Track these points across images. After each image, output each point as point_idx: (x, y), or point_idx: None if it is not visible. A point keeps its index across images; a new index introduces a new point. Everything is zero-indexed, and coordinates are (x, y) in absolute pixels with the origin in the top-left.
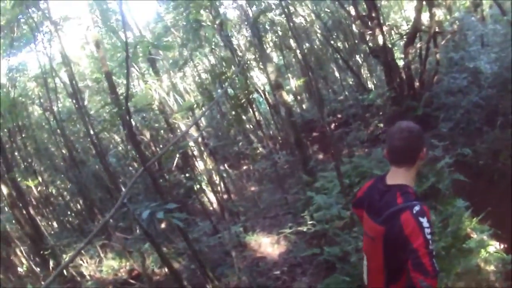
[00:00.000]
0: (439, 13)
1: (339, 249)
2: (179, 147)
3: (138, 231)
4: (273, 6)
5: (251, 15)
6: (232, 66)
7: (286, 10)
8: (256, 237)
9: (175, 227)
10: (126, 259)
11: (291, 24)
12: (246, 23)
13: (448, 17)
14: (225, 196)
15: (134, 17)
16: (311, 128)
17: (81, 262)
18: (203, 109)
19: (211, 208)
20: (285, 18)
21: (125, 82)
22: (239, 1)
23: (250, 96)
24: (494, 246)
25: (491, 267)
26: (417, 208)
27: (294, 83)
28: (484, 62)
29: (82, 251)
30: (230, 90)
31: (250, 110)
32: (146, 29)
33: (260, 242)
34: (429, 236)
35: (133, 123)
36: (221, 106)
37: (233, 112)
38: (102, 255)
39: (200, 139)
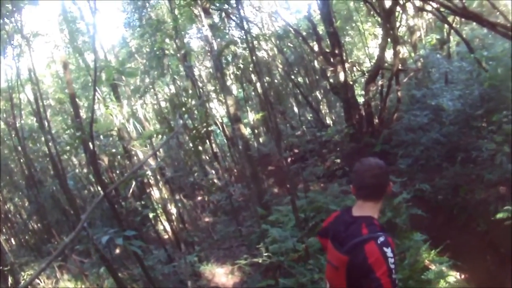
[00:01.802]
0: (404, 51)
1: (294, 280)
2: (137, 175)
3: (93, 255)
4: (237, 40)
5: (215, 47)
6: (192, 98)
7: (250, 44)
8: (211, 267)
9: (131, 253)
10: (82, 282)
11: (254, 58)
12: (209, 54)
13: (413, 54)
14: (180, 226)
15: (100, 39)
16: (268, 162)
17: (38, 281)
18: (162, 138)
19: (165, 236)
20: (248, 52)
21: (87, 105)
22: (204, 32)
23: (209, 128)
24: (454, 277)
25: None
26: (381, 239)
27: (252, 116)
28: (447, 100)
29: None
30: (189, 121)
31: (208, 141)
32: (111, 52)
33: (214, 272)
34: (392, 266)
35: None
36: (179, 137)
37: (191, 144)
38: (59, 276)
39: (156, 168)
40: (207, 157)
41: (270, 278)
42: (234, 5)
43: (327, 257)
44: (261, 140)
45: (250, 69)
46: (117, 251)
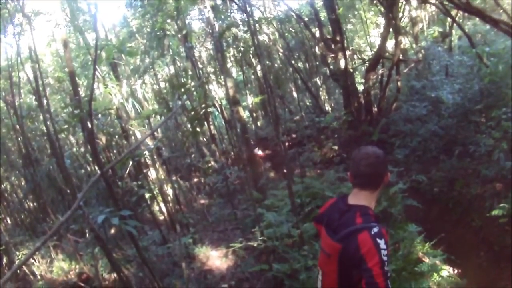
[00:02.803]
0: (405, 42)
1: (288, 266)
2: (134, 155)
3: (88, 235)
4: (239, 22)
5: (216, 29)
6: (191, 79)
7: (252, 27)
8: (205, 249)
9: (125, 234)
10: (76, 262)
11: (255, 41)
12: (210, 36)
13: (414, 46)
14: (175, 207)
15: (101, 19)
16: (265, 145)
17: (33, 261)
18: (160, 118)
19: (161, 217)
20: (249, 35)
21: (86, 84)
22: (206, 14)
23: (207, 110)
24: (448, 271)
25: None
26: (375, 229)
27: (251, 100)
28: (447, 92)
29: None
30: (187, 102)
31: (206, 123)
32: (111, 32)
33: (208, 255)
34: (385, 258)
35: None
36: (177, 118)
37: (189, 125)
38: (53, 255)
39: (154, 149)
40: (205, 139)
41: (263, 263)
42: None
43: (321, 245)
44: (259, 123)
45: (251, 52)
46: (112, 231)
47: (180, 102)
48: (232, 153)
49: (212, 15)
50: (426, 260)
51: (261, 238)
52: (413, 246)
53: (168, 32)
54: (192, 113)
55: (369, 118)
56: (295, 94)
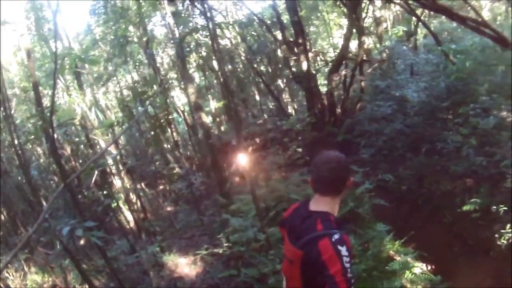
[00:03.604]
0: (369, 42)
1: (256, 270)
2: (98, 165)
3: (58, 246)
4: (200, 27)
5: (177, 34)
6: (154, 85)
7: (212, 31)
8: (173, 257)
9: (94, 244)
10: (48, 274)
11: (215, 46)
12: (172, 42)
13: (378, 45)
14: (142, 215)
15: (65, 27)
16: (229, 150)
17: (7, 275)
18: (123, 127)
19: (128, 226)
20: (210, 40)
21: (51, 93)
22: (167, 20)
23: (170, 116)
24: (420, 268)
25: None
26: (336, 236)
27: (214, 104)
28: (412, 91)
29: (8, 264)
30: (150, 109)
31: (169, 130)
32: (75, 40)
33: (177, 263)
34: (347, 265)
35: (56, 136)
36: (141, 125)
37: (152, 132)
38: (26, 269)
39: (118, 157)
40: (169, 146)
41: (232, 268)
42: None
43: (284, 251)
44: (222, 128)
45: (213, 57)
46: (81, 242)
47: (142, 110)
48: (196, 158)
49: (172, 20)
50: (397, 258)
51: (226, 244)
52: (382, 245)
53: (130, 39)
54: (154, 120)
55: (333, 119)
56: (257, 98)
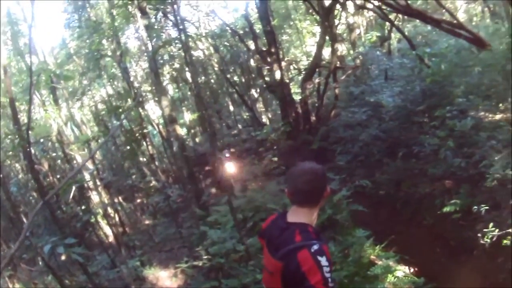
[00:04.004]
0: (342, 48)
1: (237, 281)
2: (76, 181)
3: (41, 263)
4: (173, 40)
5: (150, 47)
6: (128, 99)
7: (185, 43)
8: (154, 270)
9: (75, 260)
10: None
11: (188, 58)
12: (145, 55)
13: (352, 52)
14: (120, 230)
15: (40, 41)
16: (204, 162)
17: None
18: (99, 142)
19: (107, 241)
20: (183, 52)
21: (27, 108)
22: (140, 33)
23: (145, 130)
24: (403, 271)
25: None
26: (315, 247)
27: (188, 116)
28: (387, 96)
29: None
30: (125, 123)
31: (144, 143)
32: (50, 54)
33: (158, 276)
34: (327, 275)
35: (33, 151)
36: (116, 139)
37: (128, 146)
38: (10, 285)
39: (95, 172)
40: (144, 159)
41: (213, 280)
42: (173, 5)
43: (263, 262)
44: (197, 140)
45: (186, 69)
46: (63, 257)
47: (117, 124)
48: (172, 171)
49: (145, 33)
50: (379, 262)
51: (206, 256)
52: (363, 250)
53: (104, 53)
54: (129, 134)
55: (308, 127)
56: (231, 108)
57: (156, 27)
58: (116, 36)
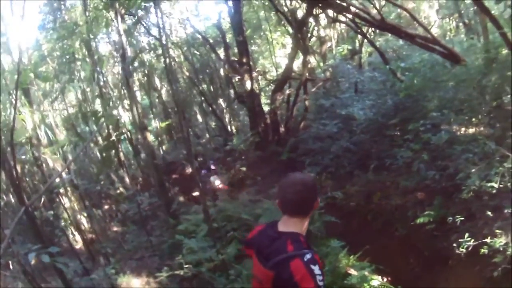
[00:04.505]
0: (312, 61)
1: None
2: (53, 186)
3: (11, 267)
4: (147, 46)
5: (129, 53)
6: (102, 105)
7: (165, 51)
8: (127, 279)
9: (47, 266)
10: None
11: (167, 65)
12: (120, 60)
13: (322, 64)
14: (91, 236)
15: (15, 41)
16: (172, 170)
17: None
18: (71, 146)
19: (77, 247)
20: (155, 58)
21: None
22: (117, 38)
23: (122, 136)
24: (378, 280)
25: None
26: (308, 256)
27: (156, 124)
28: (358, 109)
29: None
30: (96, 128)
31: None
32: (24, 55)
33: (131, 284)
34: (321, 283)
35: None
36: (88, 145)
37: (103, 153)
38: None
39: (72, 178)
40: (113, 166)
41: None
42: (150, 11)
43: (253, 271)
44: (164, 148)
45: (156, 76)
46: (33, 262)
47: (93, 129)
48: (141, 179)
49: (124, 39)
50: (354, 272)
51: (186, 266)
52: (338, 261)
53: (77, 56)
54: (105, 140)
55: (277, 138)
56: (199, 117)
57: (135, 33)
58: (90, 40)
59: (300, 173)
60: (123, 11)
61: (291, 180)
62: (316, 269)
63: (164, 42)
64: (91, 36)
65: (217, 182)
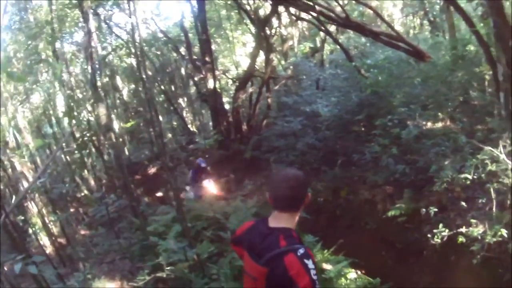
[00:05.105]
0: (274, 59)
1: None
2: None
3: None
4: (110, 47)
5: (99, 52)
6: (71, 106)
7: (139, 49)
8: (102, 283)
9: (21, 273)
10: None
11: (141, 64)
12: (87, 60)
13: (283, 62)
14: (60, 240)
15: None
16: (135, 171)
17: None
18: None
19: (47, 252)
20: (117, 58)
21: None
22: (84, 38)
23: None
24: (355, 273)
25: None
26: (301, 251)
27: (117, 125)
28: (322, 106)
29: None
30: (68, 129)
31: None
32: None
33: None
34: (315, 277)
35: None
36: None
37: (79, 154)
38: None
39: (43, 182)
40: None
41: None
42: (113, 10)
43: (244, 268)
44: (126, 149)
45: (117, 76)
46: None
47: (62, 131)
48: (106, 180)
49: (93, 38)
50: (329, 267)
51: (168, 268)
52: (314, 255)
53: (44, 57)
54: (79, 142)
55: (240, 137)
56: (161, 117)
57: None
58: (54, 41)
59: (291, 168)
60: (91, 10)
61: (283, 175)
62: (310, 263)
63: (136, 39)
64: (58, 36)
65: (212, 187)
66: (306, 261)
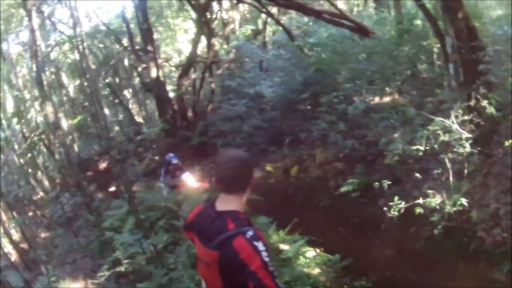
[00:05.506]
0: (216, 43)
1: (151, 283)
2: None
3: None
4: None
5: (43, 49)
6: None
7: (80, 48)
8: (67, 284)
9: None
10: None
11: (83, 60)
12: (32, 59)
13: (225, 46)
14: (22, 245)
15: None
16: (86, 167)
17: None
18: None
19: (13, 260)
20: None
21: None
22: (28, 36)
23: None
24: (314, 251)
25: (317, 270)
26: (250, 233)
27: (65, 122)
28: (266, 87)
29: None
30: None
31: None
32: None
33: None
34: (267, 259)
35: None
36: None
37: (29, 155)
38: None
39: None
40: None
41: (126, 285)
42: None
43: (197, 254)
44: (76, 145)
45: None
46: None
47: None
48: (58, 179)
49: (37, 36)
50: (286, 247)
51: (125, 262)
52: (268, 237)
53: None
54: (30, 142)
55: (186, 124)
56: (106, 110)
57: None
58: (3, 42)
59: (236, 149)
60: (34, 8)
61: (226, 156)
62: (260, 245)
63: (78, 34)
64: (4, 38)
65: (191, 180)
66: (255, 243)
